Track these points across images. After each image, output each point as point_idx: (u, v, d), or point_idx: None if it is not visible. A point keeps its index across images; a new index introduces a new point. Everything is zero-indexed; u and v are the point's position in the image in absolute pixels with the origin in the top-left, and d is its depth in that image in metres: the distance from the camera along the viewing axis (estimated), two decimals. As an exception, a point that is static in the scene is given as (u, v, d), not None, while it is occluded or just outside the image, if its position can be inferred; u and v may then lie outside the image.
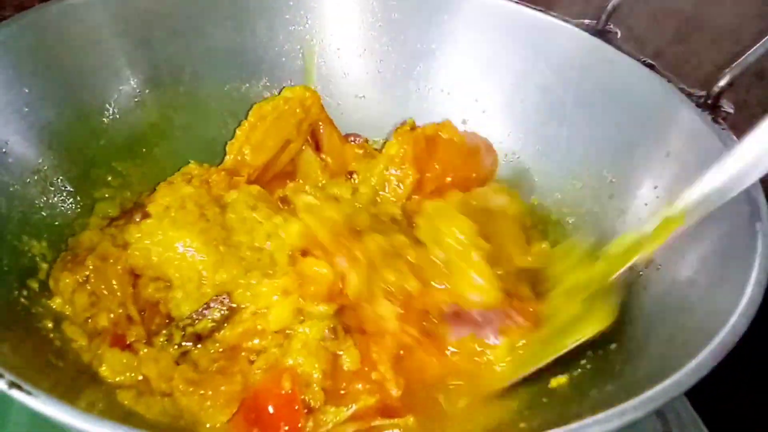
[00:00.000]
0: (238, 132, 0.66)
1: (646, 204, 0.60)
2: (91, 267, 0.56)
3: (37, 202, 0.59)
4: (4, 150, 0.57)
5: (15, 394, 0.34)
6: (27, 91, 0.60)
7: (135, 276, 0.58)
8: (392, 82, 0.78)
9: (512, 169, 0.73)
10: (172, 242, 0.56)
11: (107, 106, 0.67)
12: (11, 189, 0.57)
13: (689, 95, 0.60)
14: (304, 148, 0.69)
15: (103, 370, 0.51)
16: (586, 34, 0.69)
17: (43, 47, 0.62)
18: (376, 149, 0.75)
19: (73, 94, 0.64)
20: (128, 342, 0.54)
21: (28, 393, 0.34)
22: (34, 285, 0.55)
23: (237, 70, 0.75)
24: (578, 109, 0.68)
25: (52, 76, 0.62)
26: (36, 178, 0.59)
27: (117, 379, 0.51)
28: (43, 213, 0.59)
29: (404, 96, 0.78)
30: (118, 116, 0.68)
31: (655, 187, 0.59)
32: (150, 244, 0.57)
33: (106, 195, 0.65)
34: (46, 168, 0.60)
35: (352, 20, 0.77)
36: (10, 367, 0.35)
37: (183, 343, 0.54)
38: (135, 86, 0.70)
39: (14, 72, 0.60)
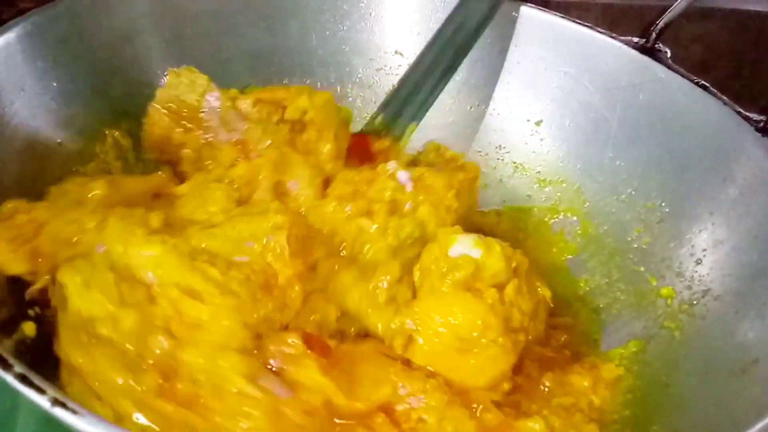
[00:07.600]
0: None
1: (700, 231, 0.57)
2: None
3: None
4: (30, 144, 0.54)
5: (58, 412, 0.31)
6: (55, 84, 0.58)
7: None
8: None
9: (552, 189, 0.70)
10: None
11: (136, 103, 0.64)
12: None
13: (747, 119, 0.58)
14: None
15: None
16: (633, 52, 0.66)
17: (74, 39, 0.59)
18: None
19: (103, 89, 0.61)
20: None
21: (74, 412, 0.30)
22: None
23: (268, 72, 0.73)
24: (624, 129, 0.66)
25: (82, 69, 0.60)
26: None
27: None
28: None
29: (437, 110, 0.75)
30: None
31: (711, 213, 0.57)
32: None
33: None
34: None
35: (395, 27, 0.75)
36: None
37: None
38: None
39: (43, 63, 0.57)
